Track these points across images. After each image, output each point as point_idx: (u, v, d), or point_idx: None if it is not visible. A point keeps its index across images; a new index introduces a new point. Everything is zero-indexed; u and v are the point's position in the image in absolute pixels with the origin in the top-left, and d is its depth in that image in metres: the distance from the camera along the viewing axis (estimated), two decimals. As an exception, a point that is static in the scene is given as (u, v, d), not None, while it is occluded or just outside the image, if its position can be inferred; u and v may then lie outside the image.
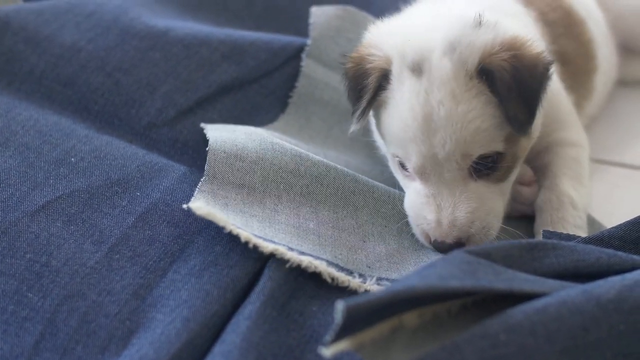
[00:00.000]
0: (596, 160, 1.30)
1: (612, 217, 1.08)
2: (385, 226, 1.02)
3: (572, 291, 0.74)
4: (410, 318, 0.75)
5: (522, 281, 0.77)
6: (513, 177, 1.01)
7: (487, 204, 0.96)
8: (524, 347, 0.70)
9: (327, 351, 0.69)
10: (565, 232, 0.99)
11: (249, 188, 1.00)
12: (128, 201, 0.97)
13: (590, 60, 1.20)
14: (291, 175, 1.02)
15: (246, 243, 0.90)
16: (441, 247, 0.96)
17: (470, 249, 0.81)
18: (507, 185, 1.00)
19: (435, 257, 0.99)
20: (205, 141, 1.07)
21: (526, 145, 1.00)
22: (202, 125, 1.14)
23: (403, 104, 0.97)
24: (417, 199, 0.98)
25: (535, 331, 0.71)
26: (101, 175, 1.00)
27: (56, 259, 0.89)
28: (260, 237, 0.91)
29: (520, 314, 0.72)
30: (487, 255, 0.80)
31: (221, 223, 0.90)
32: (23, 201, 0.95)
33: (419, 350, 0.73)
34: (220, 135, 1.07)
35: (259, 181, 1.01)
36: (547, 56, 0.98)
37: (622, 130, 1.37)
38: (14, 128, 1.04)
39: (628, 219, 0.92)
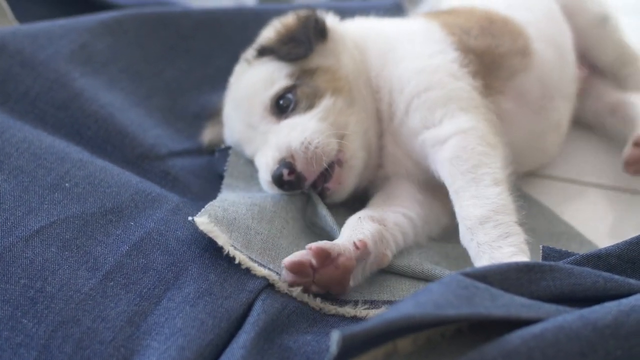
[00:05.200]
0: (592, 184, 1.30)
1: (608, 241, 1.08)
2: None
3: (569, 316, 0.74)
4: (404, 344, 0.75)
5: (519, 307, 0.76)
6: (327, 102, 1.09)
7: (300, 126, 1.06)
8: (521, 372, 0.70)
9: (322, 379, 0.68)
10: None
11: (261, 207, 1.03)
12: (122, 230, 0.97)
13: (517, 39, 1.23)
14: (297, 211, 1.07)
15: (243, 266, 0.91)
16: (278, 179, 1.03)
17: (466, 271, 0.80)
18: (321, 110, 1.08)
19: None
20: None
21: (330, 77, 1.12)
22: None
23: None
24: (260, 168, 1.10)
25: (532, 357, 0.70)
26: (95, 203, 1.00)
27: (51, 285, 0.88)
28: (256, 262, 0.91)
29: (518, 339, 0.72)
30: (483, 277, 0.80)
31: (220, 242, 0.91)
32: (17, 226, 0.94)
33: (414, 376, 0.73)
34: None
35: (270, 204, 1.04)
36: (316, 20, 1.16)
37: (619, 155, 1.36)
38: (8, 150, 1.04)
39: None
